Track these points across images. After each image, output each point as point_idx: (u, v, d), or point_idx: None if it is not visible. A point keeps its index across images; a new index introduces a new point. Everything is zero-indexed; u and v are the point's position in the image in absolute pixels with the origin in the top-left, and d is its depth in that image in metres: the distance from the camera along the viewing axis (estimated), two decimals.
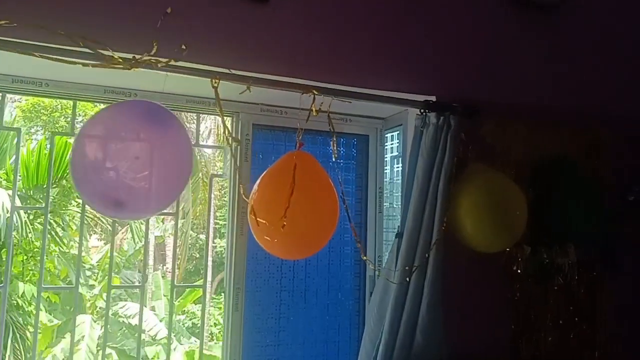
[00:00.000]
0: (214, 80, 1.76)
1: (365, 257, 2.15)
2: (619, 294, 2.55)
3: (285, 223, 1.64)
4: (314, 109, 1.86)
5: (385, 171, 2.58)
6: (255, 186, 1.82)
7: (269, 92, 1.99)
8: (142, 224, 7.74)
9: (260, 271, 2.38)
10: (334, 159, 2.10)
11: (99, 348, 6.75)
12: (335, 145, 1.95)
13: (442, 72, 2.32)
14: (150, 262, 10.45)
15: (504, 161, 2.36)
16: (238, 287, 2.29)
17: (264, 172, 1.86)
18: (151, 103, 1.76)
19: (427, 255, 2.05)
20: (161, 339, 7.44)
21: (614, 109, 2.61)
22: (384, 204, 2.56)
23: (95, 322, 7.21)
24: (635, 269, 2.58)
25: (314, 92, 1.88)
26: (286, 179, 1.71)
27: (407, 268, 2.06)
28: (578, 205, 2.34)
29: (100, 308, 7.93)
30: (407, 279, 2.05)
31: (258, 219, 1.69)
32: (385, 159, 2.59)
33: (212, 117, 6.66)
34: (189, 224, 9.37)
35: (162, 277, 9.25)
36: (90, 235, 9.49)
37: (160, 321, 7.70)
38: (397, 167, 2.49)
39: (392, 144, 2.56)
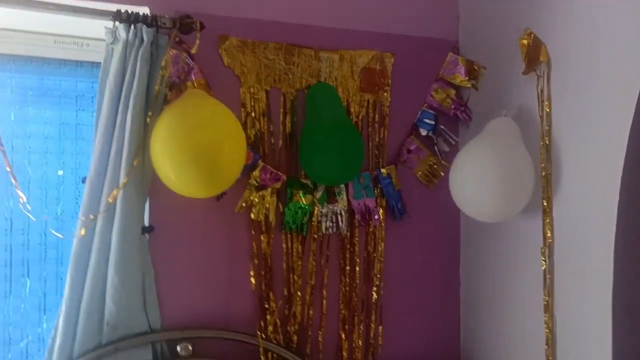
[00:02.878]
0: None
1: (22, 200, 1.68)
2: (402, 244, 2.20)
3: None
4: None
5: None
6: None
7: None
8: None
9: None
10: None
11: None
12: None
13: None
14: None
15: (246, 89, 1.96)
16: None
17: None
18: None
19: (110, 200, 1.66)
20: None
21: (400, 30, 2.20)
22: None
23: None
24: (424, 215, 2.21)
25: None
26: None
27: (85, 218, 1.67)
28: (336, 142, 1.95)
29: None
30: (82, 232, 1.65)
31: None
32: None
33: None
34: None
35: None
36: None
37: None
38: None
39: None
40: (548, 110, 1.82)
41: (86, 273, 1.69)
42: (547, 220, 1.81)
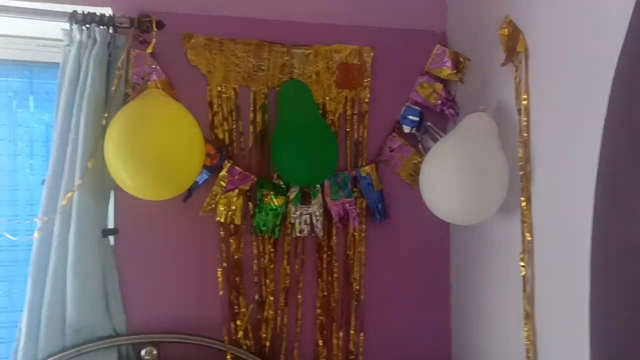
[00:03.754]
0: None
1: None
2: (385, 247, 2.09)
3: None
4: None
5: None
6: None
7: None
8: None
9: None
10: None
11: None
12: None
13: None
14: None
15: (214, 88, 1.91)
16: None
17: None
18: None
19: (64, 202, 1.65)
20: None
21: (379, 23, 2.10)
22: None
23: None
24: (409, 216, 2.10)
25: None
26: None
27: (43, 218, 1.67)
28: (306, 142, 1.87)
29: None
30: (35, 233, 1.65)
31: None
32: None
33: None
34: None
35: None
36: None
37: None
38: None
39: None
40: (525, 103, 1.68)
41: (46, 275, 1.68)
42: (526, 223, 1.67)
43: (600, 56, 1.35)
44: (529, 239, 1.66)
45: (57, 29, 1.76)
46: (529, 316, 1.65)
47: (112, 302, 1.77)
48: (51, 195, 1.68)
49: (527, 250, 1.66)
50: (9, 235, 1.73)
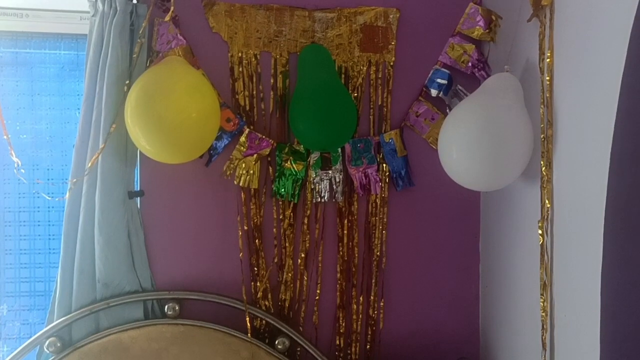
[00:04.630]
0: None
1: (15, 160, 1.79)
2: (409, 214, 2.06)
3: None
4: None
5: None
6: None
7: None
8: None
9: None
10: None
11: None
12: None
13: None
14: None
15: (235, 54, 1.94)
16: None
17: None
18: None
19: (89, 165, 1.75)
20: None
21: None
22: None
23: None
24: (436, 183, 2.04)
25: None
26: None
27: (72, 181, 1.78)
28: (321, 107, 1.85)
29: None
30: (67, 194, 1.78)
31: None
32: None
33: None
34: None
35: None
36: None
37: None
38: None
39: None
40: (549, 61, 1.57)
41: (77, 233, 1.81)
42: (546, 189, 1.57)
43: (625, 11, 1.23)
44: (549, 206, 1.57)
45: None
46: (545, 286, 1.58)
47: (137, 260, 1.87)
48: (79, 159, 1.79)
49: (546, 218, 1.57)
50: (45, 195, 1.87)
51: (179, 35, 1.87)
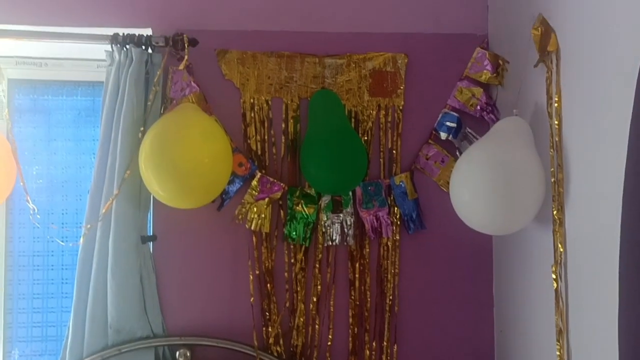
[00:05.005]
0: None
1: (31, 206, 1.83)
2: (421, 258, 2.04)
3: None
4: None
5: None
6: None
7: None
8: None
9: None
10: None
11: None
12: None
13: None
14: None
15: (247, 100, 1.98)
16: None
17: None
18: None
19: (103, 211, 1.78)
20: None
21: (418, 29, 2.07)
22: None
23: None
24: (448, 226, 2.02)
25: None
26: None
27: (86, 226, 1.81)
28: (332, 151, 1.88)
29: None
30: (81, 239, 1.80)
31: None
32: None
33: None
34: None
35: None
36: None
37: None
38: None
39: None
40: (557, 106, 1.58)
41: (89, 279, 1.82)
42: (558, 233, 1.56)
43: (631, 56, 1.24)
44: (561, 250, 1.55)
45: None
46: (561, 333, 1.55)
47: (149, 305, 1.87)
48: (94, 204, 1.81)
49: (560, 263, 1.56)
50: (59, 241, 1.89)
51: (192, 82, 1.92)
